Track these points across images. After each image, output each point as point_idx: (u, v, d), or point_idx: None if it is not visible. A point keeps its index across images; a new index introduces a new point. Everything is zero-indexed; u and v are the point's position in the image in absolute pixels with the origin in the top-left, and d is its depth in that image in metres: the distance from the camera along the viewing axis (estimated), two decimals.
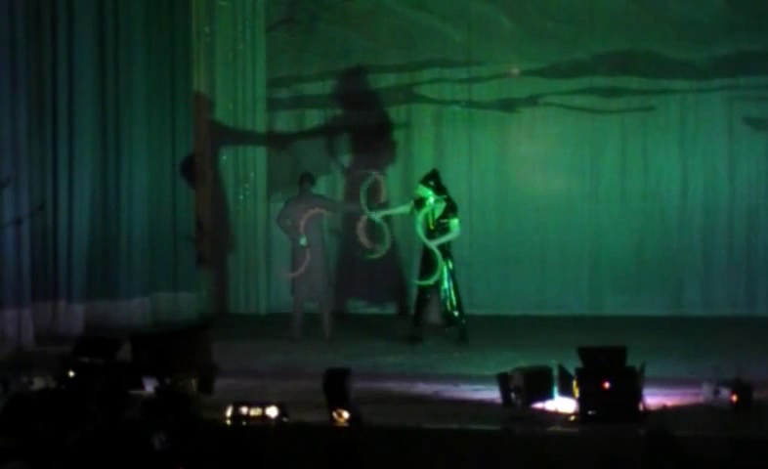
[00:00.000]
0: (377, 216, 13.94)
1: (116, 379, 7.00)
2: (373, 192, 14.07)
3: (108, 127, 15.21)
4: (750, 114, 15.92)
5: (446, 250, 13.57)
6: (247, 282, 16.96)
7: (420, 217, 13.56)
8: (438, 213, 13.60)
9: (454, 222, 13.57)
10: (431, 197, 13.62)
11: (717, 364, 10.28)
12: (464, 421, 9.36)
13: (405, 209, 14.01)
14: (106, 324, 14.58)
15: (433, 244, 13.45)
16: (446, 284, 13.59)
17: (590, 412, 9.28)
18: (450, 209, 13.62)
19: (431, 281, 13.53)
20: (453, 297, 13.61)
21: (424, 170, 15.58)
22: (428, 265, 13.61)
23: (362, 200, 13.84)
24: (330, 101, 17.07)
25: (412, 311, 14.11)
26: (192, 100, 16.69)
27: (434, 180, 13.79)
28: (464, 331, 13.64)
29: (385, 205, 14.33)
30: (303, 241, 13.75)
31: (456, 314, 13.62)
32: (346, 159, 16.95)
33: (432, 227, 13.57)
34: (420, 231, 13.56)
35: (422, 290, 13.73)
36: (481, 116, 16.65)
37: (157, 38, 15.94)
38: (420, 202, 13.70)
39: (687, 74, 16.04)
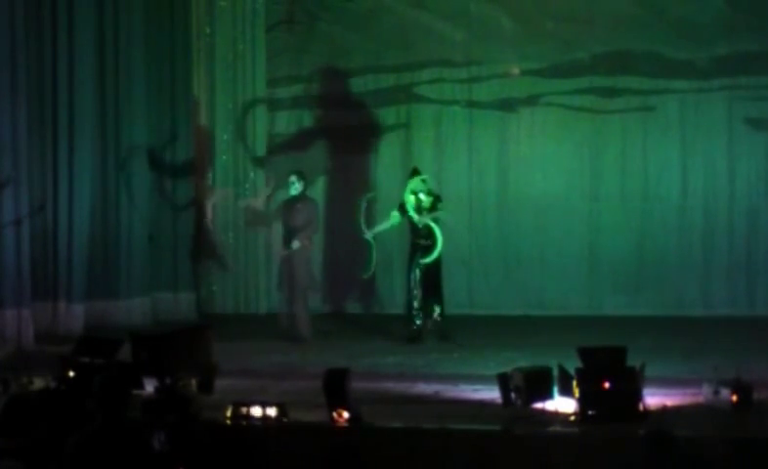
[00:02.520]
0: (370, 235, 14.01)
1: (116, 378, 6.98)
2: (368, 214, 14.21)
3: (108, 127, 15.21)
4: (750, 114, 15.91)
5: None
6: (247, 282, 16.97)
7: (411, 211, 13.60)
8: (426, 207, 13.62)
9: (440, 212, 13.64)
10: (420, 192, 13.64)
11: (717, 364, 10.28)
12: (464, 421, 9.36)
13: (394, 221, 14.00)
14: (106, 324, 14.57)
15: (428, 220, 13.46)
16: (417, 274, 13.60)
17: (590, 412, 9.28)
18: (437, 201, 13.68)
19: (434, 256, 13.49)
20: (417, 291, 13.66)
21: (424, 170, 15.60)
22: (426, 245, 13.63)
23: (363, 226, 13.92)
24: (330, 101, 17.07)
25: (404, 310, 14.10)
26: (192, 100, 16.69)
27: (419, 175, 13.86)
28: (444, 330, 13.66)
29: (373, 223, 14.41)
30: (295, 245, 13.86)
31: (415, 309, 13.67)
32: (346, 159, 16.94)
33: (424, 230, 13.62)
34: (413, 214, 13.60)
35: (411, 287, 13.74)
36: (481, 116, 16.65)
37: (157, 38, 15.95)
38: (402, 207, 13.76)
39: (687, 74, 16.04)
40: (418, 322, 13.73)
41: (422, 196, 13.71)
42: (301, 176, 14.15)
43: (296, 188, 14.11)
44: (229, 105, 17.07)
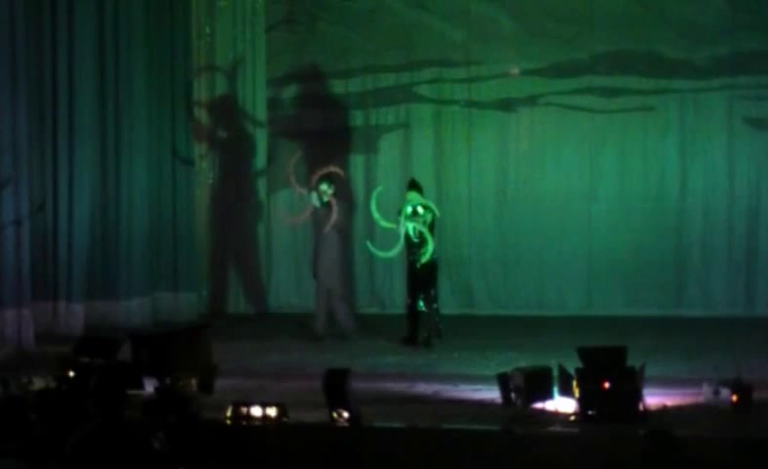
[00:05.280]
0: (384, 222, 14.01)
1: (112, 378, 6.99)
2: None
3: (108, 127, 15.21)
4: (750, 114, 15.90)
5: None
6: (247, 282, 16.97)
7: (409, 226, 13.59)
8: (419, 229, 13.59)
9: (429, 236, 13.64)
10: (418, 206, 13.62)
11: (717, 364, 10.28)
12: (464, 421, 9.37)
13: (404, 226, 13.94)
14: (106, 324, 14.57)
15: (420, 227, 13.48)
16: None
17: (590, 412, 9.30)
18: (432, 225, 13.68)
19: (428, 257, 13.49)
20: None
21: (423, 170, 15.63)
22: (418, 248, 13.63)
23: (377, 215, 13.94)
24: (330, 101, 17.08)
25: (405, 310, 14.11)
26: (193, 99, 16.69)
27: (417, 188, 13.88)
28: (411, 336, 13.69)
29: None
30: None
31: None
32: (346, 159, 16.94)
33: (416, 239, 13.59)
34: (410, 231, 13.59)
35: (412, 290, 13.73)
36: (480, 116, 16.64)
37: (157, 38, 15.94)
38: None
39: (687, 74, 16.03)
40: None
41: (419, 209, 13.67)
42: (331, 182, 14.15)
43: (329, 193, 14.08)
44: (229, 104, 17.07)
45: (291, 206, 15.98)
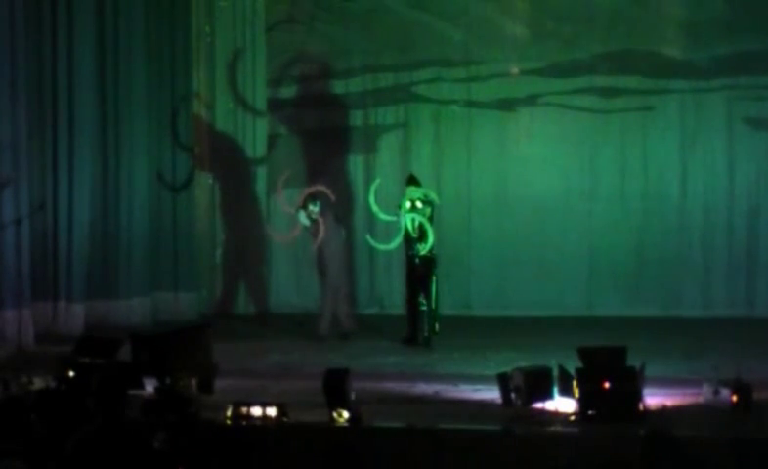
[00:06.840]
0: (384, 214, 14.03)
1: (114, 377, 6.99)
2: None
3: (108, 127, 15.22)
4: (750, 114, 15.92)
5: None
6: (247, 282, 16.97)
7: (408, 219, 13.61)
8: (418, 221, 13.61)
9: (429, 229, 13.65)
10: (417, 200, 13.64)
11: (717, 364, 10.28)
12: (464, 421, 9.36)
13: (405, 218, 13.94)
14: (106, 324, 14.57)
15: (411, 218, 13.51)
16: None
17: (590, 412, 9.29)
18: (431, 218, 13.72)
19: (429, 247, 13.51)
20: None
21: (423, 170, 15.62)
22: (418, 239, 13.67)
23: (375, 208, 13.95)
24: (330, 101, 17.08)
25: (405, 308, 14.11)
26: (192, 99, 16.69)
27: (415, 182, 13.91)
28: (411, 336, 13.73)
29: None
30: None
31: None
32: (345, 159, 16.95)
33: (415, 234, 13.61)
34: (409, 225, 13.61)
35: (410, 286, 13.75)
36: (479, 116, 16.65)
37: (157, 38, 15.94)
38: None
39: (687, 74, 16.04)
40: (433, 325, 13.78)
41: (418, 204, 13.68)
42: (317, 201, 14.08)
43: (316, 212, 14.05)
44: (229, 104, 17.08)
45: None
